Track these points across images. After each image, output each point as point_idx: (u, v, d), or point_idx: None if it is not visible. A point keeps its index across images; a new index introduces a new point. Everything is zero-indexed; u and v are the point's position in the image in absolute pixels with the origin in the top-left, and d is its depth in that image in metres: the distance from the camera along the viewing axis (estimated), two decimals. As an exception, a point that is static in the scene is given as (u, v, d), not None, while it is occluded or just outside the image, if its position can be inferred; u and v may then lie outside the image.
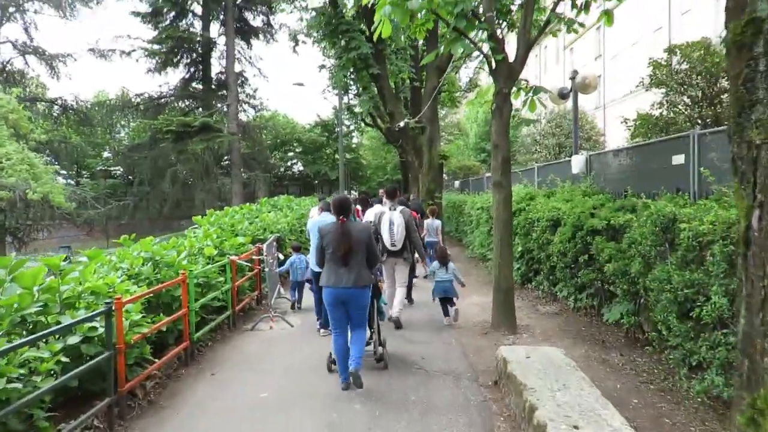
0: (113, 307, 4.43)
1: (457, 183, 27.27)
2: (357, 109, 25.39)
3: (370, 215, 7.92)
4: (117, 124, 42.02)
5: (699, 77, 8.76)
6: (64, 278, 4.93)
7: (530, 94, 6.96)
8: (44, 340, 4.11)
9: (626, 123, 10.53)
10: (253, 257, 8.75)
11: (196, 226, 10.28)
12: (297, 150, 43.21)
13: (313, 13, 17.42)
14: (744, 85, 2.51)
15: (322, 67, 24.95)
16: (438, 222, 11.25)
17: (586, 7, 6.70)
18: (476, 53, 23.63)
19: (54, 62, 33.97)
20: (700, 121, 8.82)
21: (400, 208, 7.56)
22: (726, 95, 8.87)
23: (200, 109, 35.36)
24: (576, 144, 10.74)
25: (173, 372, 5.73)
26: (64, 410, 4.30)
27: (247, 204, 16.08)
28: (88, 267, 5.68)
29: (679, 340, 4.70)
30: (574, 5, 6.57)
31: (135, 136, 38.86)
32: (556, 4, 6.61)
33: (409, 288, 8.64)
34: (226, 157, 35.17)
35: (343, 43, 16.28)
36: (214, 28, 35.77)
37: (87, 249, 6.07)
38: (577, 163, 9.49)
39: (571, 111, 18.55)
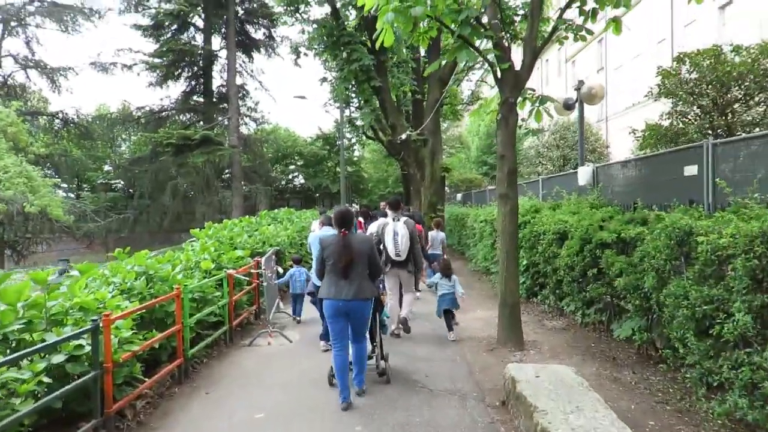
0: (101, 324, 4.21)
1: (459, 196, 27.12)
2: (358, 122, 25.27)
3: (373, 228, 7.77)
4: (118, 137, 42.02)
5: (709, 86, 8.58)
6: (51, 293, 4.71)
7: (536, 104, 6.77)
8: (28, 358, 3.89)
9: (635, 134, 10.33)
10: (251, 271, 8.52)
11: (195, 239, 10.06)
12: (298, 163, 43.12)
13: (315, 26, 17.34)
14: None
15: (324, 80, 24.85)
16: (442, 234, 11.06)
17: (593, 15, 6.53)
18: (479, 64, 23.56)
19: (55, 76, 33.99)
20: (710, 132, 8.62)
21: (403, 219, 7.41)
22: (738, 104, 8.69)
23: (201, 122, 35.31)
24: (582, 155, 10.54)
25: (166, 390, 5.48)
26: (48, 432, 4.07)
27: (247, 217, 15.86)
28: (78, 281, 5.48)
29: (697, 359, 4.46)
30: (581, 12, 6.39)
31: (136, 150, 38.81)
32: (563, 11, 6.45)
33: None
34: (226, 170, 35.05)
35: (344, 54, 16.19)
36: (216, 41, 35.84)
37: (86, 262, 5.88)
38: (584, 174, 9.29)
39: (575, 123, 18.43)
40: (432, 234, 10.63)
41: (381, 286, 6.84)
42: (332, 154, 38.95)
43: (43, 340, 4.12)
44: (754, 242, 3.88)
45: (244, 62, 37.31)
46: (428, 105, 17.62)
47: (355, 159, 42.42)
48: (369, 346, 5.69)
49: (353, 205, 34.47)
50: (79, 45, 48.18)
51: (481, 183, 28.35)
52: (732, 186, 5.23)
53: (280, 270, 9.48)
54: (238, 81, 35.45)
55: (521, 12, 14.85)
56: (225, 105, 35.29)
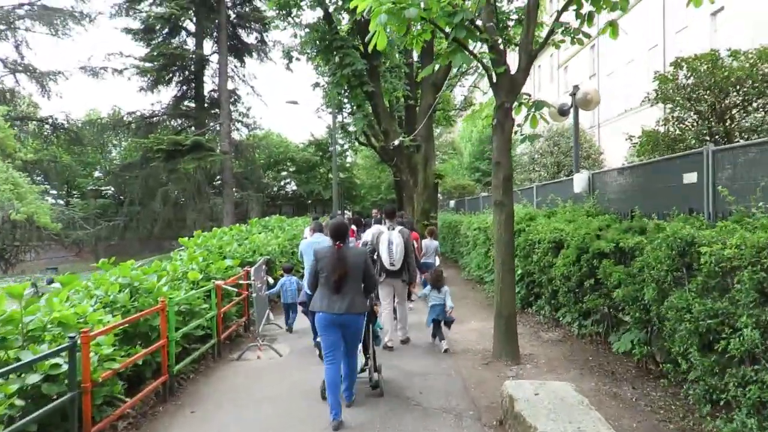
0: (78, 342, 3.99)
1: (452, 203, 26.98)
2: (351, 128, 25.12)
3: (367, 236, 7.67)
4: (108, 143, 41.54)
5: (707, 92, 8.45)
6: (28, 308, 4.49)
7: (532, 109, 6.62)
8: (2, 378, 3.67)
9: (631, 140, 10.20)
10: (240, 282, 8.30)
11: (183, 248, 9.84)
12: (290, 169, 42.79)
13: (307, 30, 17.19)
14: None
15: (317, 85, 24.63)
16: (436, 243, 10.88)
17: (590, 18, 6.40)
18: (473, 69, 23.41)
19: (44, 80, 33.57)
20: (708, 138, 8.49)
21: (398, 228, 7.32)
22: (736, 110, 8.57)
23: (193, 127, 34.99)
24: (577, 162, 10.41)
25: (149, 410, 5.25)
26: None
27: (237, 225, 15.62)
28: (58, 294, 5.27)
29: (700, 374, 4.31)
30: (578, 15, 6.26)
31: (127, 156, 38.39)
32: (560, 14, 6.31)
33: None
34: (218, 177, 34.74)
35: (337, 59, 16.05)
36: (208, 46, 35.53)
37: (76, 271, 5.67)
38: (580, 181, 9.14)
39: (568, 129, 18.35)
40: (425, 242, 10.45)
41: (374, 297, 6.71)
42: (324, 161, 38.67)
43: (18, 359, 3.91)
44: (761, 254, 3.73)
45: (236, 67, 37.12)
46: (421, 110, 17.49)
47: (348, 165, 42.18)
48: (362, 359, 5.57)
49: (346, 212, 34.30)
50: (69, 49, 47.67)
51: (474, 190, 28.23)
52: (733, 194, 5.09)
53: (271, 280, 9.27)
54: (230, 86, 35.21)
55: (514, 17, 14.78)
56: (216, 110, 34.99)
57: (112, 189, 38.73)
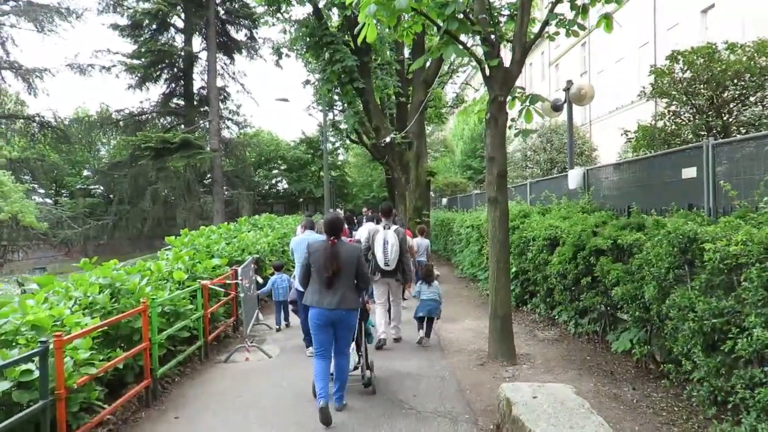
0: (51, 346, 3.77)
1: (444, 200, 26.82)
2: (342, 126, 24.87)
3: (363, 234, 7.56)
4: (97, 141, 41.00)
5: (704, 85, 8.30)
6: (1, 311, 4.27)
7: (527, 102, 6.44)
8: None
9: (626, 135, 10.05)
10: (228, 282, 8.08)
11: (170, 247, 9.59)
12: (281, 167, 42.43)
13: (297, 26, 16.96)
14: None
15: (307, 82, 24.45)
16: (426, 241, 10.71)
17: (584, 11, 6.23)
18: (464, 67, 23.17)
19: (31, 78, 32.89)
20: (705, 132, 8.34)
21: (394, 227, 7.20)
22: (734, 104, 8.42)
23: (182, 125, 34.51)
24: (571, 158, 10.25)
25: (131, 416, 5.02)
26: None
27: (225, 223, 15.36)
28: (35, 296, 5.04)
29: (705, 375, 4.14)
30: (573, 6, 6.08)
31: (116, 154, 37.88)
32: (554, 5, 6.13)
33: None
34: (208, 175, 34.38)
35: (327, 55, 15.84)
36: (197, 43, 35.00)
37: (65, 270, 5.45)
38: (574, 177, 8.99)
39: (561, 125, 18.21)
40: (416, 241, 10.27)
41: (367, 294, 6.61)
42: (316, 159, 38.39)
43: (-13, 365, 3.68)
44: (770, 250, 3.57)
45: (225, 64, 36.65)
46: (413, 107, 17.30)
47: (340, 163, 41.89)
48: (355, 357, 5.45)
49: (338, 209, 34.06)
50: (56, 46, 47.06)
51: (466, 187, 28.08)
52: (734, 189, 4.93)
53: (260, 279, 9.07)
54: (219, 83, 34.75)
55: (506, 12, 14.61)
56: (206, 108, 34.56)
57: (101, 188, 38.19)
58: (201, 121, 34.52)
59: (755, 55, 8.08)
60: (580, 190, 8.92)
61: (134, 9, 32.04)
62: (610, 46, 26.69)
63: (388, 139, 16.26)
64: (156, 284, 6.50)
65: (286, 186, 42.25)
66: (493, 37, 6.18)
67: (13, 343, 4.13)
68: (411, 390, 5.50)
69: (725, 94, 8.36)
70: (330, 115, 25.26)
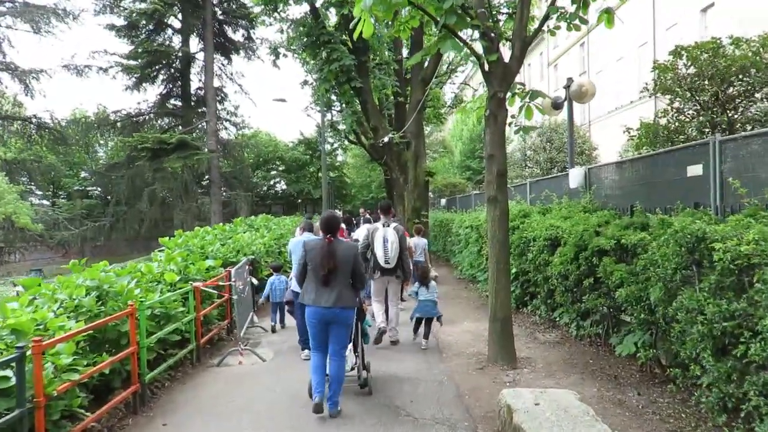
0: (29, 352, 3.59)
1: (443, 201, 26.66)
2: (341, 126, 24.75)
3: (361, 233, 7.47)
4: (94, 142, 40.82)
5: (709, 81, 8.12)
6: (-21, 315, 4.09)
7: (527, 99, 6.27)
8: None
9: (629, 132, 9.88)
10: (221, 283, 7.89)
11: (163, 248, 9.40)
12: (280, 168, 42.24)
13: (294, 25, 16.80)
14: None
15: (305, 83, 24.33)
16: (424, 241, 10.54)
17: (585, 5, 6.05)
18: (462, 66, 23.01)
19: (27, 79, 32.69)
20: (708, 129, 8.17)
21: (393, 225, 7.12)
22: (740, 99, 8.24)
23: (180, 126, 34.32)
24: (572, 156, 10.08)
25: (117, 423, 4.83)
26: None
27: (221, 224, 15.17)
28: (19, 299, 4.87)
29: (714, 380, 3.97)
30: (574, 0, 5.91)
31: (113, 155, 37.69)
32: (555, -1, 5.96)
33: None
34: (205, 176, 34.18)
35: (324, 54, 15.68)
36: (194, 43, 34.84)
37: (62, 272, 5.31)
38: (575, 176, 8.82)
39: (561, 124, 18.05)
40: (413, 240, 10.10)
41: (364, 294, 6.61)
42: (314, 159, 38.22)
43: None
44: (784, 250, 3.39)
45: (222, 65, 36.44)
46: (411, 107, 17.15)
47: (338, 164, 41.74)
48: (352, 358, 5.33)
49: (337, 209, 33.89)
50: (53, 47, 46.90)
51: (465, 188, 27.92)
52: (743, 187, 4.76)
53: (255, 281, 8.89)
54: (217, 84, 34.51)
55: (505, 11, 14.46)
56: (203, 109, 34.38)
57: (99, 189, 38.03)
58: (198, 122, 34.33)
59: (761, 49, 7.91)
60: (582, 190, 8.76)
61: (130, 9, 31.87)
62: (609, 45, 26.57)
63: (386, 139, 16.12)
64: (146, 286, 6.31)
65: (284, 187, 42.06)
66: (492, 32, 6.01)
67: (-6, 348, 3.96)
68: (408, 395, 5.32)
69: (730, 90, 8.19)
70: (328, 116, 25.15)
